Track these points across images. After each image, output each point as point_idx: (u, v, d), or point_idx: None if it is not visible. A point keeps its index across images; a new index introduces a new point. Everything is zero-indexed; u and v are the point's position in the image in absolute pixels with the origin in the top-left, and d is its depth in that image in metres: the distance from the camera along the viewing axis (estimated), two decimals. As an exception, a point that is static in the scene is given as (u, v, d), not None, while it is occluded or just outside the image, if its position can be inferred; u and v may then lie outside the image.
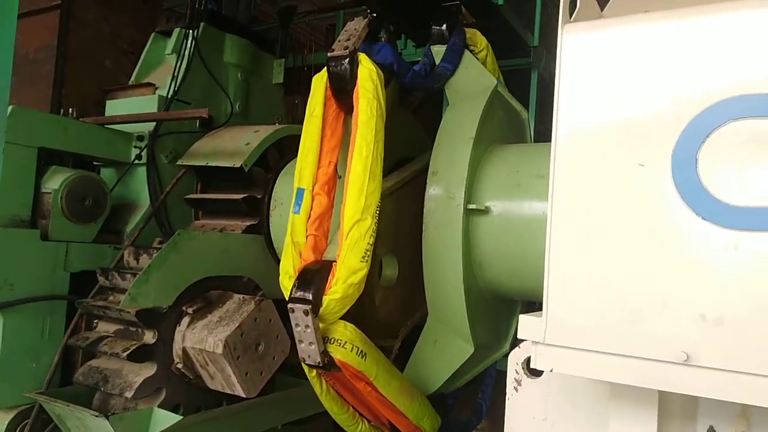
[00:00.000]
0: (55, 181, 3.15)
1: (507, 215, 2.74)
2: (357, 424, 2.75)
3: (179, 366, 2.97)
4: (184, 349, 2.97)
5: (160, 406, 2.91)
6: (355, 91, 2.56)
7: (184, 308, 3.02)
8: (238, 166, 3.37)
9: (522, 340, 1.71)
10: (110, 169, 3.74)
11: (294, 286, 2.42)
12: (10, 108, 3.00)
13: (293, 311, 2.37)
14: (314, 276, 2.41)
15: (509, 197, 2.75)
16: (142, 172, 3.62)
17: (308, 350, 2.38)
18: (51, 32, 3.97)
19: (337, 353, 2.41)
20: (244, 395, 2.89)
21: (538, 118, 4.48)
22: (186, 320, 3.01)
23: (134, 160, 3.61)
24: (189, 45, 3.86)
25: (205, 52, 3.96)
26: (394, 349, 3.24)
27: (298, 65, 5.25)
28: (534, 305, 3.28)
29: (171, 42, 4.07)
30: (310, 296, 2.34)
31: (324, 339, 2.41)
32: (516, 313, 3.38)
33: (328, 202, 2.58)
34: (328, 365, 2.41)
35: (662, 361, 1.26)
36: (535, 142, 3.70)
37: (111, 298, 3.11)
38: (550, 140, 2.78)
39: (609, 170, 1.41)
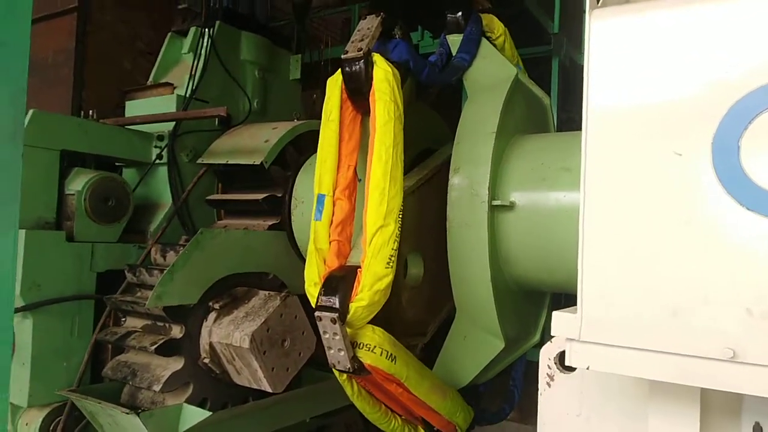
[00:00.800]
0: (78, 183, 3.17)
1: (533, 210, 2.68)
2: (390, 421, 2.74)
3: (206, 361, 2.98)
4: (210, 344, 2.98)
5: (187, 401, 2.92)
6: (371, 93, 2.49)
7: (210, 304, 3.04)
8: (258, 163, 3.36)
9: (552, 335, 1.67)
10: (132, 170, 3.76)
11: (320, 294, 2.39)
12: (30, 112, 3.04)
13: (320, 319, 2.35)
14: (339, 283, 2.38)
15: (535, 191, 2.69)
16: (163, 171, 3.64)
17: (338, 356, 2.37)
18: (69, 35, 4.00)
19: (366, 358, 2.40)
20: (270, 390, 2.90)
21: (560, 107, 4.41)
22: (212, 316, 3.03)
23: (155, 160, 3.62)
24: (205, 44, 3.85)
25: (222, 51, 3.95)
26: (420, 343, 3.22)
27: (315, 60, 5.23)
28: (560, 295, 3.25)
29: (187, 41, 4.08)
30: (336, 304, 2.32)
31: (353, 344, 2.39)
32: (546, 303, 3.33)
33: (349, 207, 2.55)
34: (358, 370, 2.40)
35: (706, 358, 1.22)
36: (558, 130, 3.63)
37: (139, 294, 3.13)
38: (573, 129, 2.73)
39: (643, 160, 1.35)
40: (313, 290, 2.47)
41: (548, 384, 1.86)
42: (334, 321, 2.31)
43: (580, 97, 1.49)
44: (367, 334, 2.43)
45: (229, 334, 2.90)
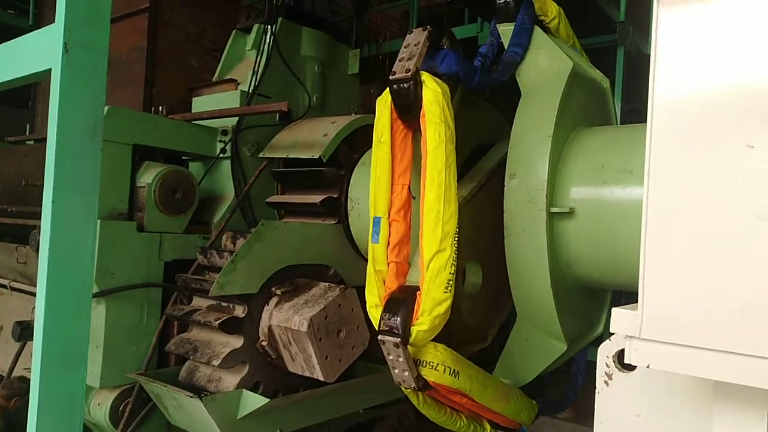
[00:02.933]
0: (148, 176, 3.32)
1: (594, 215, 2.59)
2: (456, 421, 2.77)
3: (263, 344, 3.10)
4: (270, 328, 3.09)
5: (241, 381, 3.03)
6: (421, 114, 2.46)
7: (273, 289, 3.16)
8: (317, 157, 3.43)
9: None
10: (197, 163, 3.91)
11: (382, 317, 2.42)
12: (106, 108, 3.21)
13: (384, 343, 2.39)
14: (400, 306, 2.39)
15: (595, 196, 2.60)
16: (226, 165, 3.76)
17: (402, 376, 2.42)
18: (141, 34, 4.19)
19: (430, 376, 2.43)
20: (322, 378, 2.97)
21: (625, 98, 4.27)
22: (274, 300, 3.15)
23: (219, 154, 3.75)
24: (268, 40, 3.95)
25: (283, 47, 4.04)
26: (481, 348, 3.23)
27: (373, 54, 5.27)
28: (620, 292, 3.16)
29: (251, 38, 4.20)
30: (398, 328, 2.34)
31: (416, 362, 2.42)
32: (608, 297, 3.25)
33: (405, 227, 2.56)
34: (423, 387, 2.45)
35: (776, 360, 1.17)
36: (622, 122, 3.51)
37: (207, 276, 3.27)
38: (638, 120, 2.64)
39: (713, 153, 1.30)
40: (374, 312, 2.50)
41: (606, 383, 1.82)
42: (396, 345, 2.35)
43: (647, 88, 1.44)
44: (429, 352, 2.44)
45: (288, 318, 3.00)
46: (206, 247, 3.36)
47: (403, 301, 2.41)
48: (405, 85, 2.46)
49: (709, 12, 1.37)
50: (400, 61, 2.53)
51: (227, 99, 3.92)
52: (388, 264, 2.55)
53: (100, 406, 3.18)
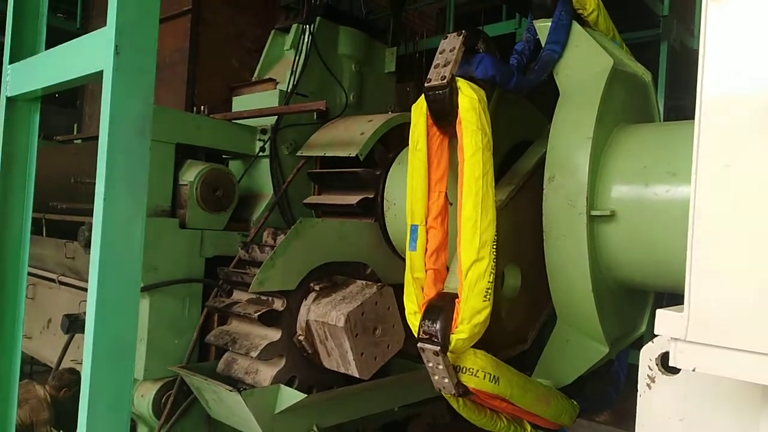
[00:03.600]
0: (190, 174, 3.40)
1: (635, 218, 2.54)
2: (496, 423, 2.77)
3: (300, 338, 3.15)
4: (307, 322, 3.14)
5: (278, 375, 3.08)
6: (457, 121, 2.44)
7: (311, 285, 3.20)
8: (354, 155, 3.45)
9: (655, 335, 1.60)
10: (237, 162, 3.98)
11: (421, 325, 2.42)
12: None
13: (423, 351, 2.40)
14: (439, 313, 2.40)
15: (637, 198, 2.54)
16: (265, 163, 3.82)
17: (442, 383, 2.43)
18: (184, 35, 4.29)
19: (470, 382, 2.43)
20: (357, 374, 2.99)
21: (668, 93, 4.16)
22: (312, 296, 3.20)
23: (258, 153, 3.81)
24: (306, 40, 4.00)
25: (321, 46, 4.08)
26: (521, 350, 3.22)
27: (409, 52, 5.27)
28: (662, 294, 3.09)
29: (289, 38, 4.26)
30: (438, 336, 2.35)
31: (455, 368, 2.43)
32: (650, 297, 3.19)
33: (442, 234, 2.55)
34: (463, 394, 2.46)
35: (831, 365, 1.12)
36: (665, 118, 3.42)
37: (248, 270, 3.33)
38: (681, 116, 2.56)
39: (763, 152, 1.26)
40: (413, 319, 2.51)
41: (648, 386, 1.78)
42: (436, 354, 2.36)
43: (693, 84, 1.40)
44: (469, 358, 2.44)
45: (326, 312, 3.04)
46: (248, 242, 3.42)
47: (441, 308, 2.41)
48: (440, 92, 2.44)
49: (759, 6, 1.33)
50: (435, 67, 2.51)
51: (266, 98, 3.98)
52: (426, 271, 2.55)
53: (144, 398, 3.27)
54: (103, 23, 1.41)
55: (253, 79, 4.26)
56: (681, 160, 2.43)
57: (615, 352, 2.97)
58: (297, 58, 3.96)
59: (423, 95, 2.54)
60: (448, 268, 2.57)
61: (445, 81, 2.43)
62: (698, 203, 1.34)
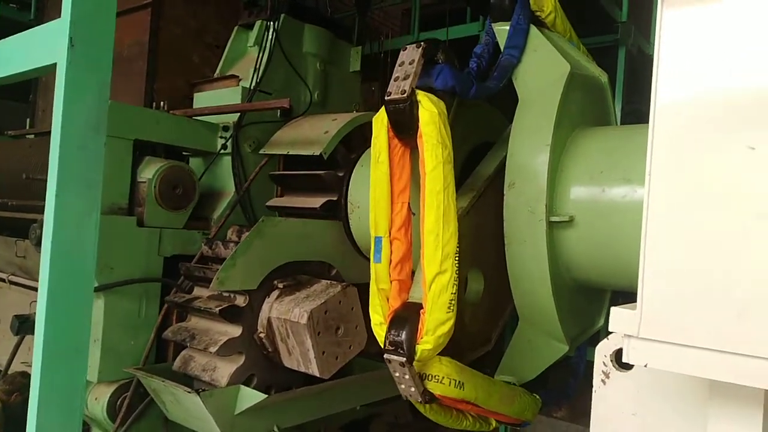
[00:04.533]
0: (149, 171, 3.33)
1: (593, 223, 2.62)
2: (462, 422, 2.81)
3: (261, 335, 3.11)
4: (269, 320, 3.11)
5: (236, 371, 3.03)
6: (418, 135, 2.45)
7: (275, 282, 3.17)
8: (318, 154, 3.44)
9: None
10: (198, 159, 3.91)
11: (386, 337, 2.45)
12: (108, 103, 3.21)
13: (390, 362, 2.43)
14: (404, 324, 2.42)
15: (594, 203, 2.61)
16: (227, 161, 3.77)
17: (409, 391, 2.48)
18: (143, 29, 4.19)
19: (436, 389, 2.47)
20: (317, 374, 2.97)
21: (626, 98, 4.27)
22: (275, 293, 3.17)
23: (220, 150, 3.75)
24: (270, 37, 3.95)
25: (285, 43, 4.05)
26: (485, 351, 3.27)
27: (375, 52, 5.28)
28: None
29: (253, 34, 4.20)
30: (404, 347, 2.38)
31: (421, 376, 2.46)
32: (608, 292, 3.30)
33: (406, 245, 2.56)
34: (429, 400, 2.52)
35: (773, 360, 1.18)
36: (623, 122, 3.52)
37: (211, 266, 3.27)
38: (638, 120, 2.65)
39: (714, 155, 1.31)
40: (379, 330, 2.53)
41: (603, 381, 1.83)
42: (402, 365, 2.39)
43: (648, 89, 1.45)
44: (434, 366, 2.48)
45: (288, 310, 3.02)
46: (211, 239, 3.37)
47: (407, 319, 2.44)
48: (401, 105, 2.45)
49: (713, 12, 1.38)
50: (395, 80, 2.51)
51: (229, 95, 3.93)
52: (390, 282, 2.56)
53: (98, 401, 3.18)
54: (59, 15, 1.36)
55: (215, 75, 4.20)
56: (636, 165, 2.51)
57: (574, 347, 3.07)
58: (260, 55, 3.91)
59: (383, 107, 2.54)
60: (412, 277, 2.60)
61: (405, 95, 2.43)
62: (651, 203, 1.38)
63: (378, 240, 2.57)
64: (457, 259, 2.40)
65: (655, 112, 1.40)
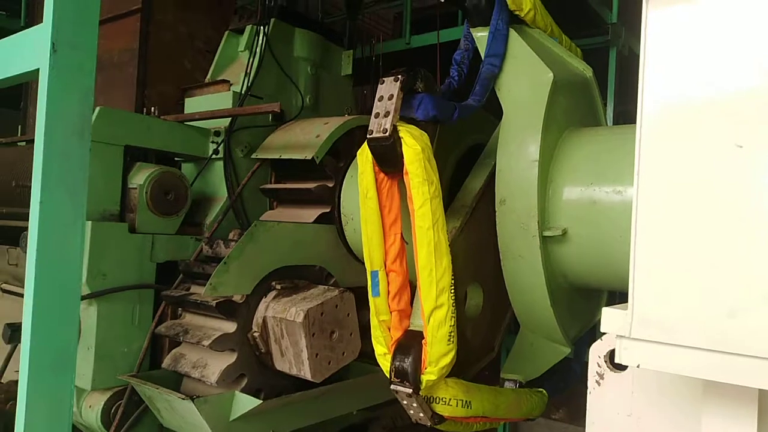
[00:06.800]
0: (140, 177, 3.31)
1: (587, 232, 2.62)
2: (471, 427, 2.84)
3: (255, 334, 3.09)
4: (264, 319, 3.09)
5: (227, 369, 3.00)
6: (404, 171, 2.44)
7: (273, 283, 3.16)
8: (310, 158, 3.43)
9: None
10: (190, 164, 3.90)
11: (391, 369, 2.48)
12: (97, 109, 3.20)
13: (397, 392, 2.47)
14: (408, 354, 2.45)
15: (586, 216, 2.61)
16: (219, 166, 3.75)
17: (417, 416, 2.52)
18: (133, 35, 4.16)
19: (444, 411, 2.52)
20: (309, 376, 2.95)
21: (617, 99, 4.28)
22: (273, 294, 3.16)
23: (212, 155, 3.74)
24: (260, 41, 3.94)
25: (276, 48, 4.03)
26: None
27: (366, 56, 5.27)
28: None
29: (243, 39, 4.19)
30: (409, 379, 2.41)
31: (428, 399, 2.50)
32: (605, 293, 3.33)
33: (403, 276, 2.59)
34: (439, 422, 2.57)
35: (764, 358, 1.17)
36: (615, 123, 3.51)
37: (211, 264, 3.25)
38: (631, 121, 2.65)
39: (702, 154, 1.31)
40: (383, 360, 2.56)
41: (597, 383, 1.83)
42: (409, 395, 2.43)
43: (636, 89, 1.45)
44: (441, 388, 2.51)
45: (285, 309, 3.01)
46: (211, 238, 3.35)
47: (410, 348, 2.47)
48: (383, 143, 2.43)
49: (698, 12, 1.38)
50: (375, 117, 2.48)
51: (220, 100, 3.91)
52: (391, 312, 2.59)
53: (92, 409, 3.16)
54: (47, 21, 1.35)
55: (206, 80, 4.18)
56: (625, 169, 2.51)
57: (576, 339, 3.14)
58: (251, 59, 3.90)
59: (366, 143, 2.53)
60: (412, 303, 2.62)
61: (387, 134, 2.41)
62: (640, 203, 1.38)
63: (374, 274, 2.59)
64: (452, 292, 2.43)
65: (643, 112, 1.40)
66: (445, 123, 2.71)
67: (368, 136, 2.48)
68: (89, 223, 3.10)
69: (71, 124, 1.28)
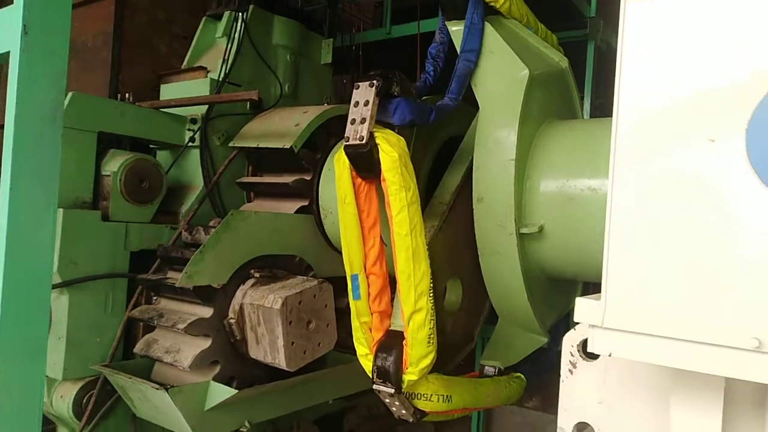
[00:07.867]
0: (114, 164, 3.25)
1: (562, 231, 2.67)
2: (452, 416, 2.91)
3: (231, 321, 3.07)
4: (241, 306, 3.07)
5: (201, 354, 2.96)
6: (381, 178, 2.45)
7: (251, 271, 3.14)
8: (288, 147, 3.40)
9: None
10: (165, 152, 3.84)
11: (373, 370, 2.52)
12: (70, 94, 3.12)
13: (379, 392, 2.53)
14: (390, 354, 2.49)
15: (562, 213, 2.65)
16: (195, 154, 3.70)
17: (400, 413, 2.58)
18: (108, 19, 4.08)
19: (426, 407, 2.59)
20: (284, 365, 2.94)
21: (595, 93, 4.33)
22: (251, 281, 3.14)
23: (188, 143, 3.69)
24: (239, 28, 3.89)
25: (255, 35, 3.98)
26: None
27: (347, 45, 5.23)
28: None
29: (221, 25, 4.12)
30: (391, 379, 2.46)
31: (410, 395, 2.56)
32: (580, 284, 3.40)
33: (383, 278, 2.61)
34: (421, 417, 2.63)
35: (731, 347, 1.20)
36: (592, 116, 3.55)
37: (190, 250, 3.21)
38: (607, 115, 2.68)
39: (675, 147, 1.33)
40: (365, 361, 2.60)
41: (570, 371, 1.86)
42: (392, 395, 2.49)
43: (613, 82, 1.47)
44: (422, 385, 2.57)
45: (263, 296, 3.00)
46: (192, 224, 3.32)
47: (391, 348, 2.51)
48: (360, 150, 2.43)
49: (675, 6, 1.40)
50: (351, 123, 2.47)
51: (197, 87, 3.85)
52: (372, 314, 2.62)
53: (63, 399, 3.11)
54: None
55: (183, 66, 4.11)
56: (601, 165, 2.53)
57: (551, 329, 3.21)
58: (229, 46, 3.85)
59: (342, 149, 2.51)
60: (392, 303, 2.65)
61: (363, 141, 2.41)
62: (614, 195, 1.40)
63: (354, 277, 2.61)
64: (431, 295, 2.47)
65: (619, 105, 1.42)
66: (422, 125, 2.72)
67: (345, 143, 2.48)
68: (61, 210, 3.03)
69: (43, 109, 1.25)
